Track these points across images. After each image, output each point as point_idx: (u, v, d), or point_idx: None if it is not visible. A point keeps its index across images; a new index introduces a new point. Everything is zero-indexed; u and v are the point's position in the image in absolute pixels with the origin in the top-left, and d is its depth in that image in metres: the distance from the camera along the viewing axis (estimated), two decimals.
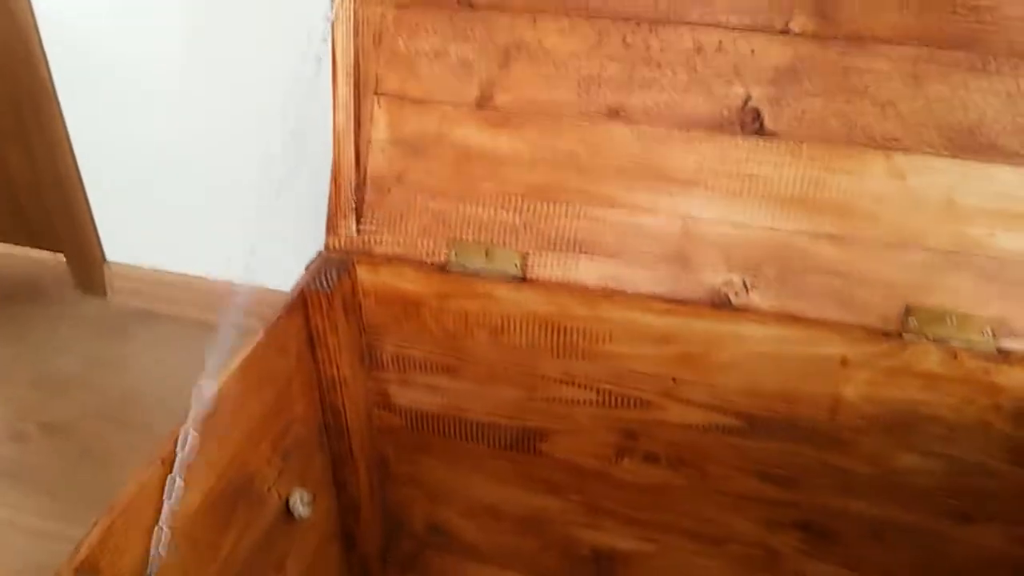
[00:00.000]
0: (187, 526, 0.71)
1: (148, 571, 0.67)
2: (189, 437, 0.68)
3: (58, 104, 1.45)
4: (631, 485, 0.94)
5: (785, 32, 0.77)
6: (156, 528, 0.67)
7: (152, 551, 0.67)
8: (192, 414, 0.69)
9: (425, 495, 1.04)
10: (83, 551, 0.61)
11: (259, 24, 1.30)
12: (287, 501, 0.88)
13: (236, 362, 0.76)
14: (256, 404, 0.80)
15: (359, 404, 0.95)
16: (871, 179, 0.77)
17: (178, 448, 0.68)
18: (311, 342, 0.87)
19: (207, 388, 0.71)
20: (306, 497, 0.89)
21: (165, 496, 0.68)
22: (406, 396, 0.96)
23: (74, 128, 1.46)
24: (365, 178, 0.88)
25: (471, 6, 0.82)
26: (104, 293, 1.61)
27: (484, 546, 1.06)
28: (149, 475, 0.67)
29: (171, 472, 0.68)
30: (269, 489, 0.85)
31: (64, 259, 1.64)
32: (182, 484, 0.68)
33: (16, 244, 1.69)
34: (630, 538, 0.98)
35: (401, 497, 1.05)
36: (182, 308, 1.56)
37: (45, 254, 1.65)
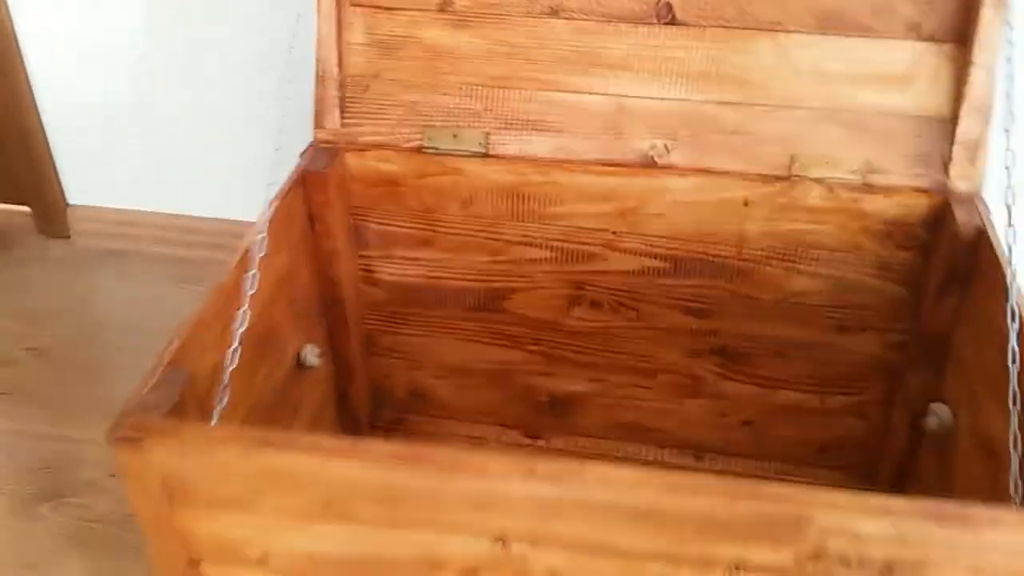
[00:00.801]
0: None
1: (223, 382, 0.83)
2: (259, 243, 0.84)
3: (21, 58, 1.55)
4: (580, 332, 1.14)
5: None
6: (226, 343, 0.83)
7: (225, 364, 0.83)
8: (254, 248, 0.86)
9: (406, 363, 1.22)
10: (174, 346, 0.77)
11: None
12: (298, 355, 1.04)
13: (265, 222, 0.91)
14: (275, 265, 0.96)
15: (350, 278, 1.12)
16: (760, 55, 0.98)
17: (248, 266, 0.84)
18: (311, 219, 1.04)
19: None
20: (315, 350, 1.05)
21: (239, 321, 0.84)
22: (388, 270, 1.14)
23: (36, 82, 1.57)
24: (346, 77, 1.04)
25: None
26: (68, 236, 1.72)
27: (457, 404, 1.24)
28: (216, 299, 0.83)
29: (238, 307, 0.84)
30: (287, 341, 1.01)
31: (29, 210, 1.73)
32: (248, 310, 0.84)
33: None
34: (581, 380, 1.18)
35: (386, 367, 1.22)
36: (143, 244, 1.69)
37: (10, 206, 1.75)
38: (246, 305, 0.85)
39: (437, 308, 1.16)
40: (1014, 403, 0.77)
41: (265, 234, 0.88)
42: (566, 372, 1.18)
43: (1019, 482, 0.73)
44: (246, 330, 0.89)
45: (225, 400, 0.83)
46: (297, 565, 0.78)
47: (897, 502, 0.65)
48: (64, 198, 1.70)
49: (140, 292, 1.64)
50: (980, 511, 0.64)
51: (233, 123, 1.54)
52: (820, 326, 1.07)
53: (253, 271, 0.86)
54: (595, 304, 1.11)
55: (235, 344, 0.84)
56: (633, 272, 1.07)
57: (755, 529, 0.66)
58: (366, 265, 1.13)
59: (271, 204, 0.94)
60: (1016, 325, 0.79)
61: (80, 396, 1.43)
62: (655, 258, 1.06)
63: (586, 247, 1.07)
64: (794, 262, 1.03)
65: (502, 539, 0.72)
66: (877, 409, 1.10)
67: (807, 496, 0.65)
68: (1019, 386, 0.78)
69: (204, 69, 1.51)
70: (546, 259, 1.08)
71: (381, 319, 1.18)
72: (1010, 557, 0.64)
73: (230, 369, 0.84)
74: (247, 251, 0.88)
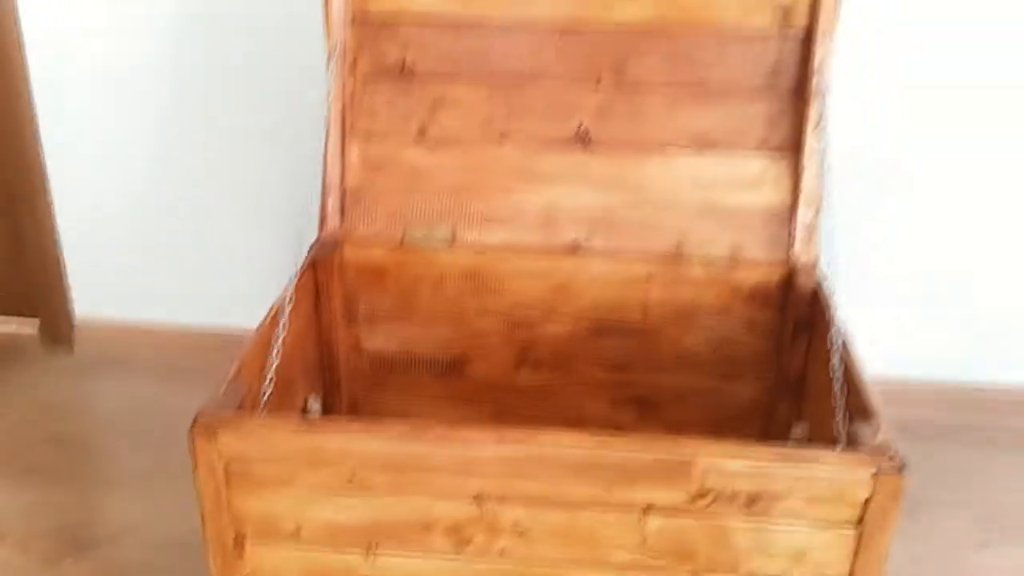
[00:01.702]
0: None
1: (262, 402, 1.09)
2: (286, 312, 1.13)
3: (45, 183, 1.82)
4: (525, 389, 1.43)
5: (598, 81, 1.33)
6: (264, 373, 1.10)
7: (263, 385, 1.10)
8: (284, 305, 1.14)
9: None
10: (234, 367, 1.04)
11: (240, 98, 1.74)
12: (305, 402, 1.31)
13: (291, 290, 1.20)
14: (293, 324, 1.24)
15: (343, 349, 1.40)
16: (653, 168, 1.33)
17: (279, 320, 1.13)
18: (317, 296, 1.33)
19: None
20: (317, 400, 1.32)
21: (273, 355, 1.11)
22: (371, 343, 1.42)
23: (59, 204, 1.85)
24: (346, 189, 1.36)
25: (410, 75, 1.34)
26: (72, 346, 1.96)
27: None
28: (256, 344, 1.11)
29: (271, 345, 1.12)
30: (297, 389, 1.28)
31: (38, 322, 1.97)
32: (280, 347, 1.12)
33: None
34: None
35: None
36: (143, 353, 1.93)
37: (20, 319, 1.98)
38: (278, 346, 1.13)
39: (410, 375, 1.44)
40: (839, 399, 1.08)
41: (293, 292, 1.17)
42: (513, 426, 1.45)
43: (843, 436, 1.02)
44: (275, 370, 1.16)
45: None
46: (323, 534, 1.03)
47: (754, 448, 0.95)
48: (71, 311, 1.95)
49: (139, 393, 1.88)
50: (810, 451, 0.95)
51: (234, 241, 1.84)
52: (710, 375, 1.38)
53: (284, 320, 1.14)
54: (537, 365, 1.41)
55: (270, 374, 1.12)
56: (566, 336, 1.38)
57: (657, 474, 0.95)
58: (355, 339, 1.42)
59: (294, 278, 1.24)
60: (839, 346, 1.11)
61: (89, 474, 1.66)
62: (581, 324, 1.37)
63: (529, 316, 1.38)
64: (686, 323, 1.35)
65: (478, 498, 0.99)
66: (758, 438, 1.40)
67: (691, 445, 0.95)
68: (840, 391, 1.09)
69: (208, 193, 1.82)
70: (498, 328, 1.39)
71: (365, 385, 1.45)
72: (833, 484, 0.94)
73: (267, 394, 1.11)
74: (280, 308, 1.16)
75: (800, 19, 1.27)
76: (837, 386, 1.07)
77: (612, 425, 1.44)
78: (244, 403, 1.04)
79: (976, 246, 1.68)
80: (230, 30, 1.69)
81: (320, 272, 1.32)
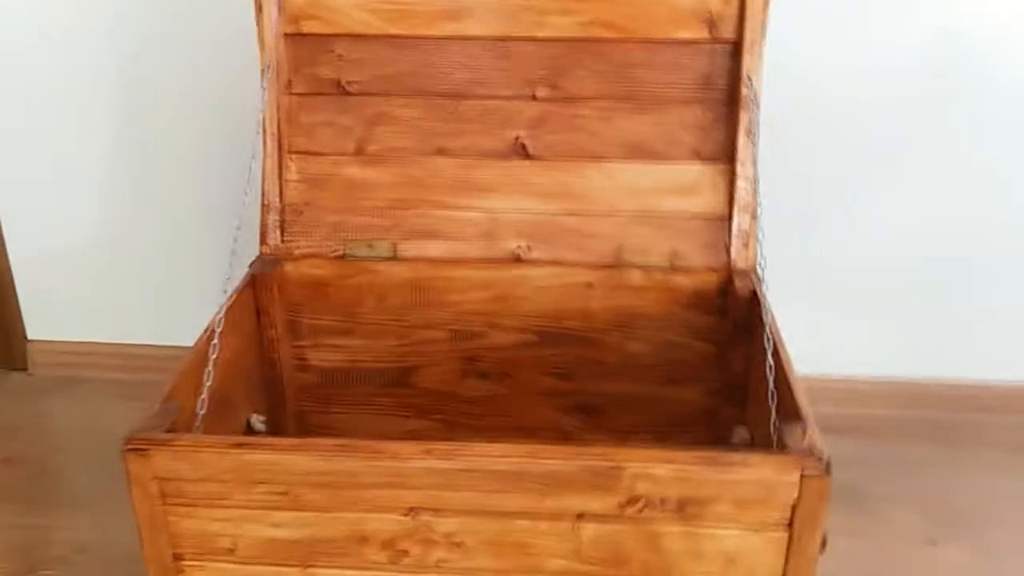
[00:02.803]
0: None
1: (196, 424, 1.10)
2: (216, 333, 1.13)
3: None
4: (472, 399, 1.44)
5: (534, 98, 1.34)
6: (198, 394, 1.11)
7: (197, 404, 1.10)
8: (215, 324, 1.14)
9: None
10: (167, 388, 1.04)
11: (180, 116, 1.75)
12: (248, 421, 1.31)
13: (222, 313, 1.20)
14: (231, 342, 1.24)
15: (287, 364, 1.40)
16: (590, 177, 1.34)
17: (212, 339, 1.13)
18: (257, 313, 1.33)
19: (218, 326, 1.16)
20: (261, 418, 1.32)
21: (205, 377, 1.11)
22: (318, 357, 1.42)
23: (8, 229, 1.85)
24: (285, 206, 1.36)
25: (347, 93, 1.35)
26: (26, 368, 1.96)
27: None
28: (189, 364, 1.11)
29: (206, 366, 1.12)
30: (239, 407, 1.28)
31: None
32: (212, 369, 1.12)
33: None
34: None
35: None
36: (95, 372, 1.93)
37: None
38: (210, 366, 1.13)
39: (357, 388, 1.44)
40: (771, 399, 1.09)
41: (223, 316, 1.17)
42: (462, 437, 1.45)
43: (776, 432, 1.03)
44: (212, 389, 1.17)
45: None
46: (259, 552, 1.03)
47: (681, 453, 0.96)
48: (24, 332, 1.95)
49: (92, 411, 1.87)
50: (737, 455, 0.96)
51: (178, 261, 1.84)
52: (654, 381, 1.39)
53: (215, 342, 1.14)
54: (483, 375, 1.42)
55: (203, 394, 1.12)
56: (510, 346, 1.39)
57: (587, 482, 0.96)
58: (300, 354, 1.42)
59: (229, 297, 1.24)
60: (771, 346, 1.12)
61: (43, 494, 1.65)
62: (525, 332, 1.38)
63: (473, 327, 1.38)
64: (628, 330, 1.36)
65: (412, 512, 0.99)
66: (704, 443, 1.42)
67: (618, 452, 0.96)
68: (774, 387, 1.10)
69: (161, 212, 1.82)
70: (442, 339, 1.39)
71: (312, 400, 1.46)
72: (760, 487, 0.95)
73: (201, 413, 1.11)
74: (212, 329, 1.16)
75: (728, 31, 1.28)
76: (768, 389, 1.09)
77: (560, 433, 1.44)
78: (177, 423, 1.04)
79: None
80: (176, 53, 1.70)
81: (260, 289, 1.32)
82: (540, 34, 1.31)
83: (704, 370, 1.37)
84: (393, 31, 1.32)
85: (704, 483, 0.95)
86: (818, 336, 1.73)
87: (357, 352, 1.42)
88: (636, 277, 1.33)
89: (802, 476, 0.93)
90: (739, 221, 1.31)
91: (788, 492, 0.94)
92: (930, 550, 1.50)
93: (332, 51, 1.34)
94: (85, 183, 1.81)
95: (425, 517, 0.99)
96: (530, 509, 0.98)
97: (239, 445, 0.99)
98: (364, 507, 1.00)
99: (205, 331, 1.16)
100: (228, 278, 1.20)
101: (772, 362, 1.10)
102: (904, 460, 1.68)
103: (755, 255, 1.32)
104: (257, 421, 1.32)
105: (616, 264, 1.33)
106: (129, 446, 0.98)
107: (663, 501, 0.96)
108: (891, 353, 1.74)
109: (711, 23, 1.28)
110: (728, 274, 1.31)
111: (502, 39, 1.32)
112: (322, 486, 0.98)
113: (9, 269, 1.88)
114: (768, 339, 1.12)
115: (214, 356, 1.14)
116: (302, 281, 1.37)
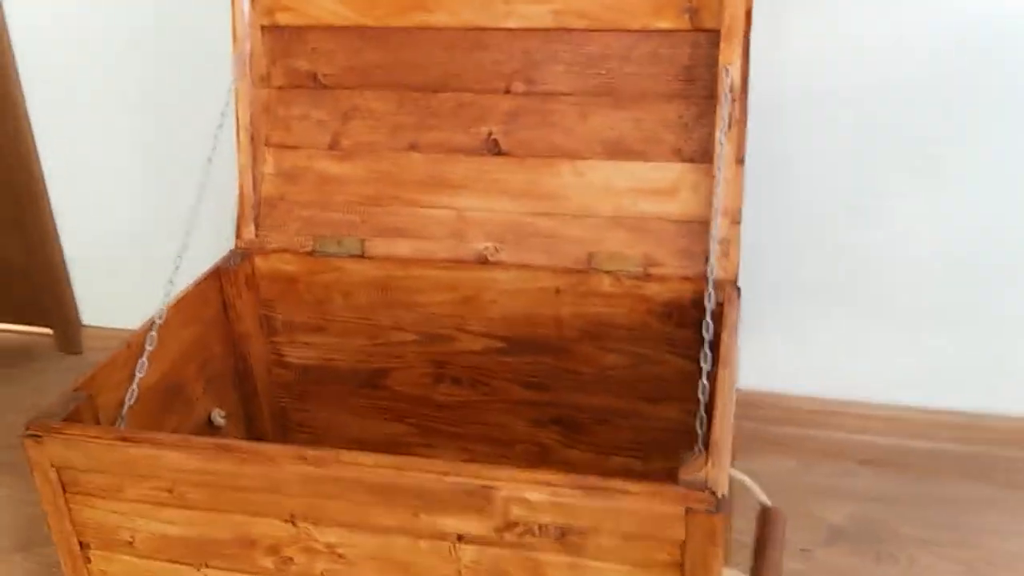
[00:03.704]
0: (143, 397, 1.14)
1: (120, 414, 1.10)
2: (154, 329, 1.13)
3: (47, 198, 1.92)
4: (446, 405, 1.38)
5: (508, 92, 1.27)
6: (128, 385, 1.11)
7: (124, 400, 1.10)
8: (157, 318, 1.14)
9: (313, 437, 1.46)
10: (80, 380, 1.05)
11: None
12: (209, 415, 1.31)
13: (173, 301, 1.20)
14: (185, 335, 1.24)
15: (262, 360, 1.39)
16: (563, 177, 1.26)
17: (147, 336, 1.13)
18: (224, 306, 1.33)
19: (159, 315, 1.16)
20: (222, 413, 1.31)
21: (137, 368, 1.11)
22: (294, 353, 1.41)
23: (59, 217, 1.94)
24: (260, 199, 1.35)
25: (323, 86, 1.32)
26: (81, 352, 2.05)
27: None
28: (124, 352, 1.11)
29: (140, 357, 1.12)
30: (196, 400, 1.28)
31: (51, 331, 2.08)
32: (146, 362, 1.12)
33: (8, 322, 2.12)
34: (452, 451, 1.41)
35: (297, 441, 1.47)
36: None
37: (33, 328, 2.09)
38: (144, 357, 1.13)
39: (333, 386, 1.41)
40: (700, 424, 0.98)
41: (164, 310, 1.17)
42: (440, 443, 1.41)
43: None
44: (155, 381, 1.17)
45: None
46: (156, 547, 1.02)
47: (556, 476, 0.87)
48: (79, 319, 2.04)
49: None
50: (617, 483, 0.86)
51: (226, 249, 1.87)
52: (632, 396, 1.29)
53: (152, 333, 1.14)
54: (455, 381, 1.36)
55: (133, 385, 1.12)
56: (480, 351, 1.32)
57: (461, 501, 0.89)
58: (277, 350, 1.40)
59: (185, 290, 1.24)
60: (708, 365, 1.01)
61: None
62: (494, 338, 1.31)
63: (441, 330, 1.33)
64: (601, 340, 1.27)
65: (292, 519, 0.95)
66: None
67: (490, 471, 0.88)
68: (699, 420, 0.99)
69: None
70: (411, 341, 1.34)
71: (292, 397, 1.44)
72: (643, 521, 0.85)
73: (128, 404, 1.11)
74: (152, 321, 1.16)
75: (711, 20, 1.17)
76: (698, 413, 0.98)
77: (539, 447, 1.37)
78: (84, 413, 1.03)
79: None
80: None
81: (225, 282, 1.31)
82: (511, 24, 1.24)
83: (684, 387, 1.26)
84: (364, 21, 1.28)
85: (581, 511, 0.86)
86: (839, 357, 1.58)
87: (330, 350, 1.39)
88: (606, 283, 1.24)
89: (687, 511, 0.83)
90: (720, 226, 1.19)
91: (674, 528, 0.84)
92: None
93: (306, 43, 1.32)
94: (133, 174, 1.87)
95: (305, 525, 0.95)
96: (407, 526, 0.92)
97: (124, 439, 0.97)
98: (248, 510, 0.96)
99: (143, 324, 1.16)
100: (176, 268, 1.19)
101: (706, 383, 0.99)
102: (942, 498, 1.49)
103: (736, 264, 1.20)
104: (218, 416, 1.31)
105: (586, 269, 1.24)
106: (27, 431, 0.99)
107: (541, 528, 0.88)
108: (937, 380, 1.55)
109: (692, 11, 1.18)
110: (706, 284, 1.19)
111: (473, 29, 1.26)
112: (204, 485, 0.96)
113: (64, 261, 1.97)
114: (705, 356, 1.01)
115: (151, 348, 1.14)
116: (273, 276, 1.35)
